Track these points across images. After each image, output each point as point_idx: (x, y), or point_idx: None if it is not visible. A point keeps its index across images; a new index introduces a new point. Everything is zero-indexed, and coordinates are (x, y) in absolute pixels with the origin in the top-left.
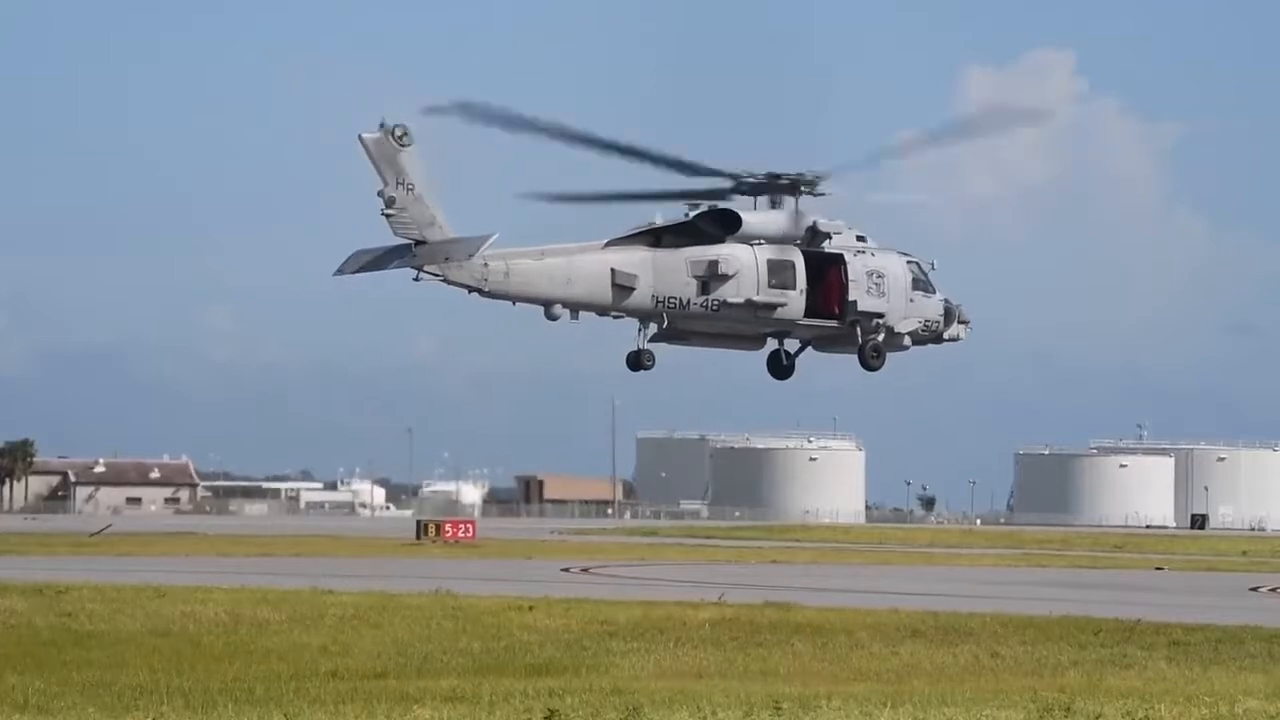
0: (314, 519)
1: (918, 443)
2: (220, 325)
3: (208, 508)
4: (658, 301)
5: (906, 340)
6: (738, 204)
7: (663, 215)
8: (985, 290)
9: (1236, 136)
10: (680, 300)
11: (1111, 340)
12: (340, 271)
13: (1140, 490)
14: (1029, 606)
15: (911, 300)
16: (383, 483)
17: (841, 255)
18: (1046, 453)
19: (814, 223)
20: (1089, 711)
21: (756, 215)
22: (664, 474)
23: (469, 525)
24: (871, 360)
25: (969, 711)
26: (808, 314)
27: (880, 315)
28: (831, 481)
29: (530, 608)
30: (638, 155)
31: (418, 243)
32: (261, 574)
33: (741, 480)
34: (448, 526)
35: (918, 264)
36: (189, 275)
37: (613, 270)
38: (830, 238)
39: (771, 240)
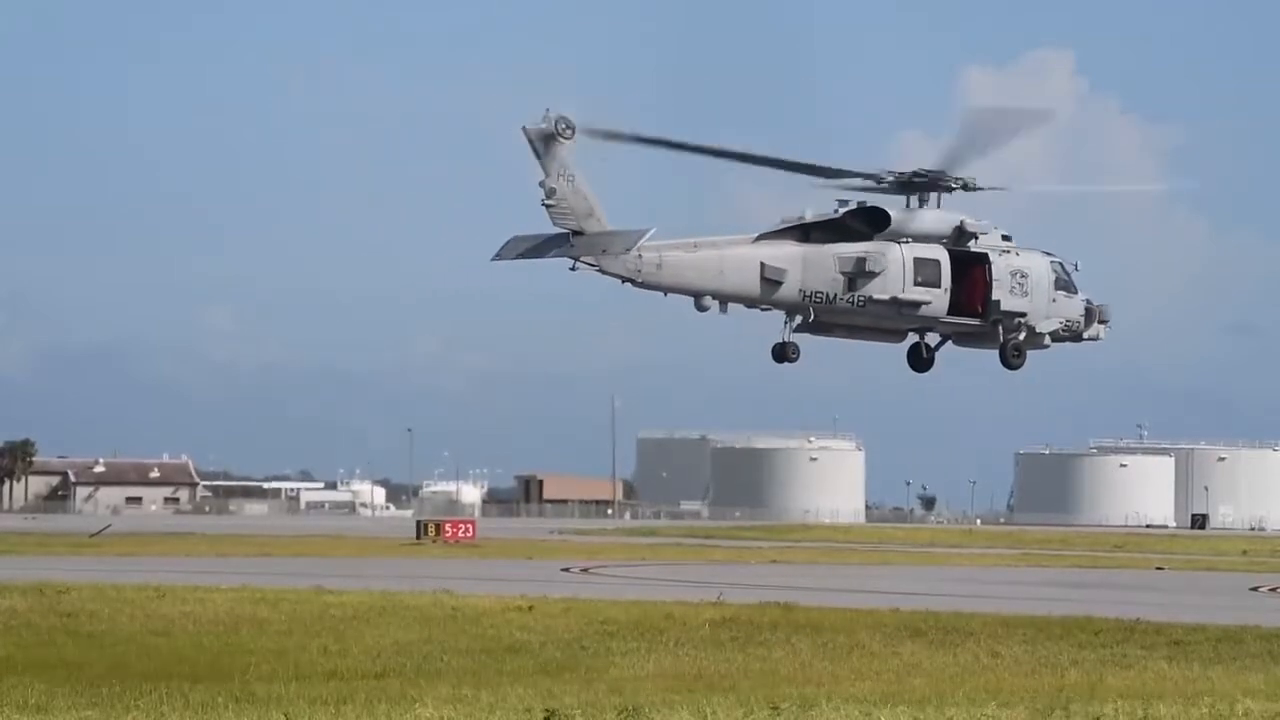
0: (314, 519)
1: (918, 443)
2: (220, 325)
3: (207, 508)
4: (805, 296)
5: (1047, 339)
6: (887, 201)
7: (812, 211)
8: None
9: (1236, 136)
10: (827, 295)
11: (1111, 340)
12: (498, 257)
13: (1140, 490)
14: (1029, 606)
15: (1054, 300)
16: (383, 483)
17: (986, 254)
18: (1046, 453)
19: (961, 222)
20: (1089, 712)
21: (905, 213)
22: (664, 474)
23: (469, 525)
24: (1012, 359)
25: (969, 711)
26: (951, 312)
27: (1023, 315)
28: (831, 481)
29: (530, 608)
30: (776, 165)
31: (575, 233)
32: (261, 574)
33: (741, 480)
34: (448, 526)
35: (1060, 264)
36: (189, 275)
37: (762, 264)
38: (977, 237)
39: (919, 238)
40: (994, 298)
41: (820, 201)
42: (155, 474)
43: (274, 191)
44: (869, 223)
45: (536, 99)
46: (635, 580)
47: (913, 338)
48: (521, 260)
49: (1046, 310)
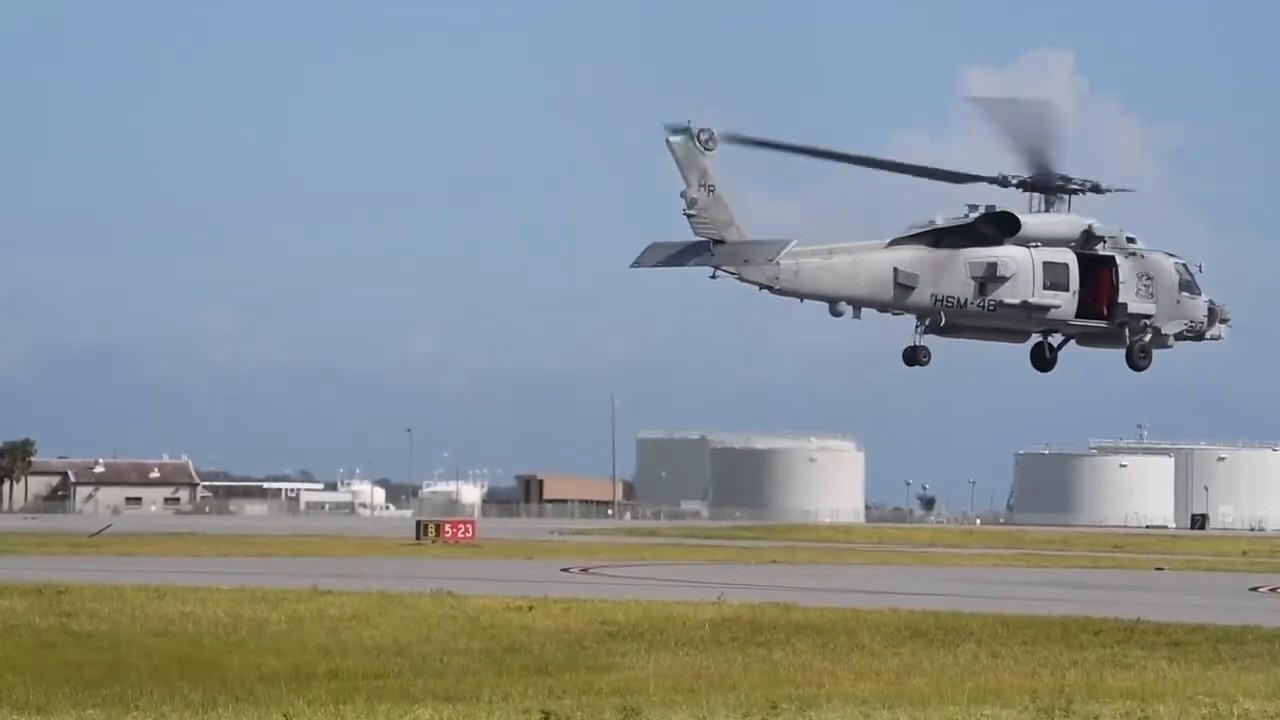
0: (314, 519)
1: (918, 443)
2: (220, 325)
3: (207, 508)
4: (937, 300)
5: (1171, 340)
6: (1016, 206)
7: (943, 216)
8: None
9: (1236, 136)
10: (958, 300)
11: None
12: (637, 264)
13: (1140, 490)
14: (1029, 606)
15: (1179, 302)
16: (383, 483)
17: (1113, 257)
18: (1046, 453)
19: (1089, 225)
20: (1088, 711)
21: (1035, 218)
22: (664, 474)
23: (469, 525)
24: (1139, 360)
25: (969, 711)
26: (1079, 315)
27: (1148, 316)
28: (831, 481)
29: (530, 608)
30: (904, 169)
31: (716, 242)
32: (261, 574)
33: (741, 480)
34: (447, 526)
35: (1184, 265)
36: (189, 275)
37: (895, 269)
38: (1104, 240)
39: (1048, 242)
40: (1121, 300)
41: (950, 206)
42: (155, 474)
43: (274, 191)
44: (999, 227)
45: (536, 99)
46: (635, 580)
47: (1036, 337)
48: (663, 267)
49: (1172, 311)
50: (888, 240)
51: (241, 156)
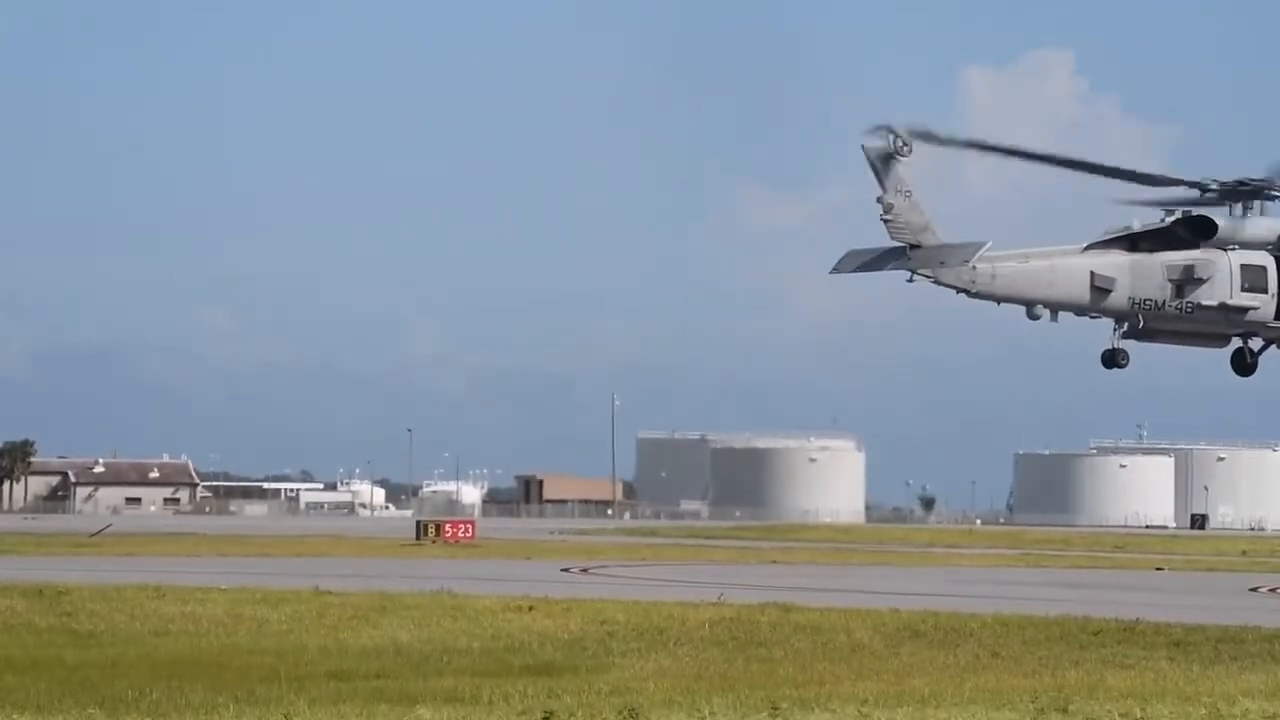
0: (314, 519)
1: (918, 443)
2: (220, 325)
3: (207, 508)
4: (1134, 303)
5: None
6: (1213, 210)
7: (1139, 220)
8: None
9: (1236, 136)
10: (1156, 302)
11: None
12: (836, 270)
13: (1140, 490)
14: (1029, 606)
15: None
16: (383, 483)
17: None
18: (1046, 453)
19: None
20: (1088, 711)
21: (1231, 221)
22: (664, 474)
23: (469, 525)
24: None
25: (969, 711)
26: (1278, 317)
27: None
28: (831, 481)
29: (530, 608)
30: (1101, 171)
31: (913, 247)
32: (261, 574)
33: (741, 480)
34: (447, 526)
35: None
36: (188, 275)
37: (1092, 273)
38: None
39: (1245, 245)
40: None
41: (1145, 211)
42: (155, 474)
43: (274, 191)
44: (1197, 231)
45: (536, 99)
46: (635, 580)
47: (1236, 342)
48: (861, 273)
49: None
50: (1084, 245)
51: (241, 156)
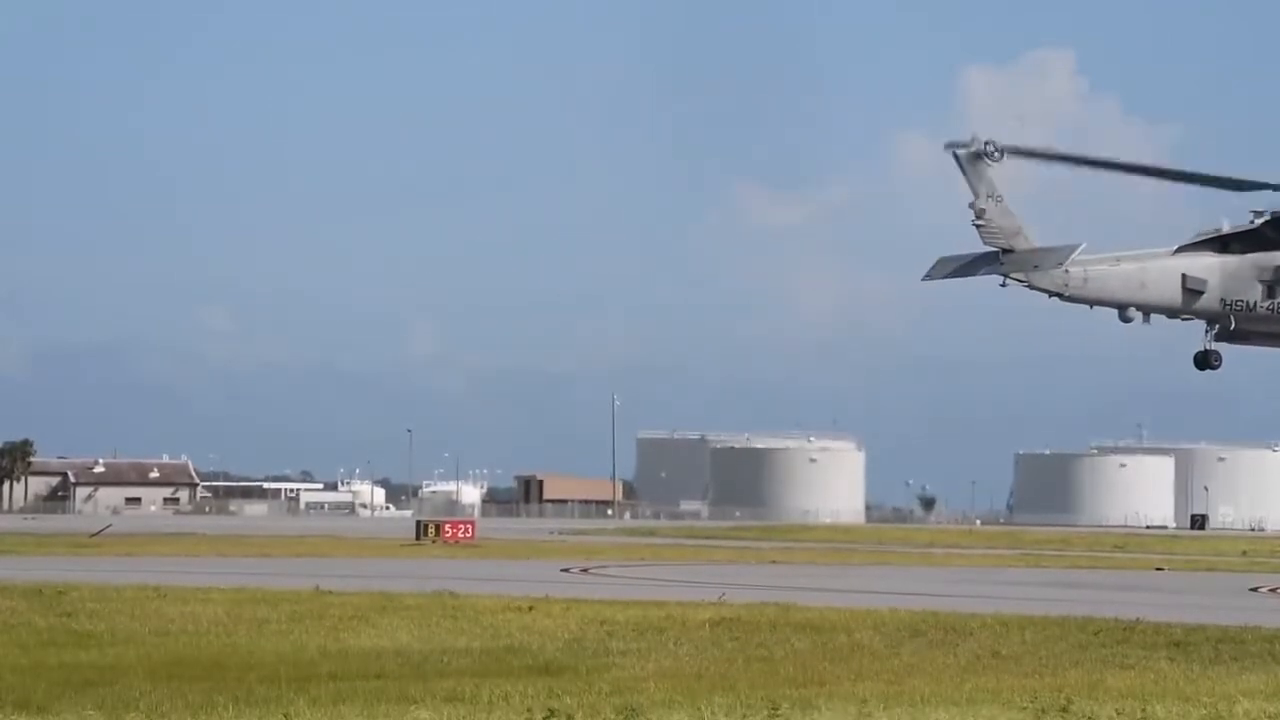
0: (314, 519)
1: (918, 443)
2: (219, 325)
3: (207, 508)
4: (1225, 304)
5: None
6: None
7: (1229, 222)
8: (986, 290)
9: (1237, 136)
10: (1247, 303)
11: (1111, 340)
12: (928, 277)
13: (1140, 490)
14: (1029, 606)
15: None
16: (383, 483)
17: None
18: (1046, 453)
19: None
20: (1087, 711)
21: None
22: (664, 474)
23: (469, 525)
24: None
25: (969, 711)
26: None
27: None
28: (831, 481)
29: (530, 608)
30: (1185, 179)
31: (1005, 251)
32: (261, 574)
33: (741, 480)
34: (447, 526)
35: None
36: (188, 275)
37: (1183, 275)
38: None
39: None
40: None
41: (1235, 213)
42: (155, 474)
43: (274, 191)
44: None
45: (536, 99)
46: (635, 580)
47: None
48: (952, 279)
49: None
50: (1174, 247)
51: (241, 156)
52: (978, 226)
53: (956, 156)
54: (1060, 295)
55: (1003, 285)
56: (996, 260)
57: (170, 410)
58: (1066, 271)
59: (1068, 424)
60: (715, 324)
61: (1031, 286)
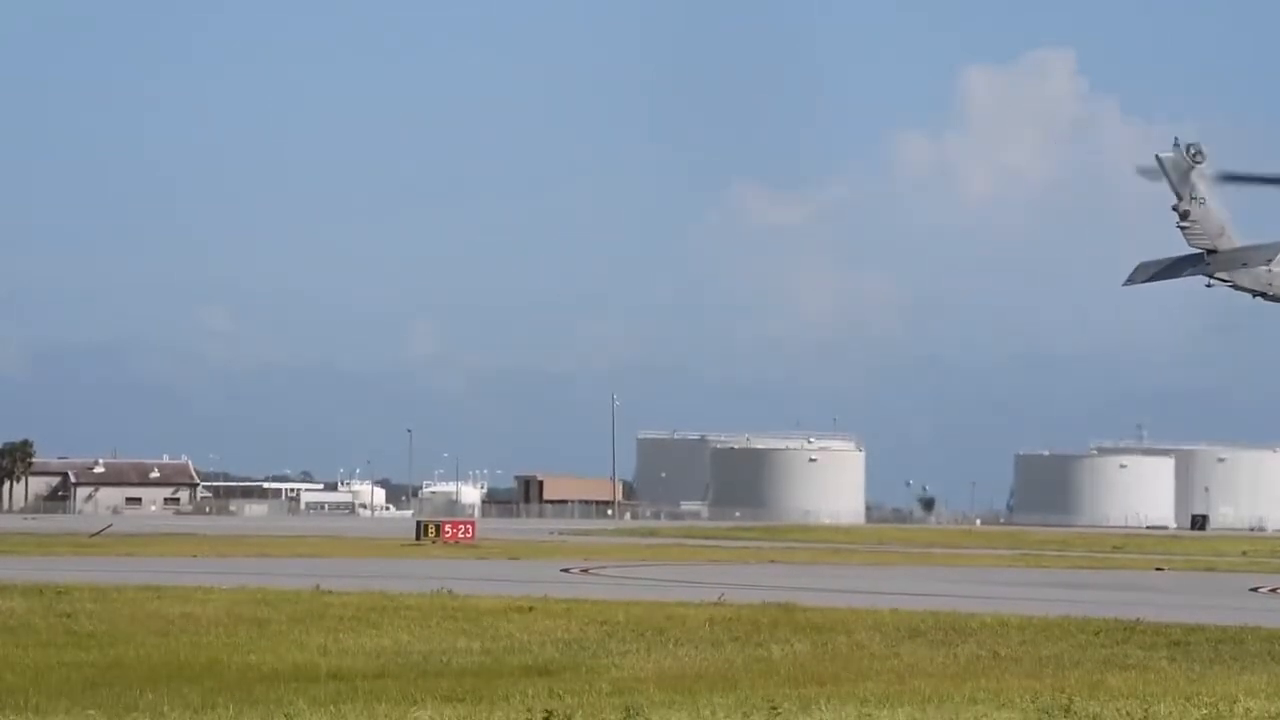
0: (314, 519)
1: (918, 443)
2: (219, 325)
3: (207, 508)
4: None
5: None
6: None
7: None
8: (986, 290)
9: (1236, 136)
10: None
11: (1111, 340)
12: (1129, 282)
13: (1140, 491)
14: (1029, 606)
15: None
16: (383, 483)
17: None
18: (1046, 454)
19: None
20: (1089, 711)
21: None
22: (664, 474)
23: (469, 525)
24: None
25: (969, 711)
26: None
27: None
28: (831, 481)
29: (530, 608)
30: None
31: (1210, 252)
32: (261, 574)
33: (741, 480)
34: (447, 527)
35: None
36: (188, 275)
37: None
38: None
39: None
40: None
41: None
42: (155, 474)
43: (273, 191)
44: None
45: (536, 99)
46: (635, 580)
47: None
48: (1154, 282)
49: None
50: None
51: (241, 156)
52: (1183, 229)
53: (1161, 162)
54: (1264, 295)
55: (1208, 286)
56: (1201, 261)
57: (170, 410)
58: (1270, 271)
59: (1068, 424)
60: (715, 324)
61: (1236, 287)
